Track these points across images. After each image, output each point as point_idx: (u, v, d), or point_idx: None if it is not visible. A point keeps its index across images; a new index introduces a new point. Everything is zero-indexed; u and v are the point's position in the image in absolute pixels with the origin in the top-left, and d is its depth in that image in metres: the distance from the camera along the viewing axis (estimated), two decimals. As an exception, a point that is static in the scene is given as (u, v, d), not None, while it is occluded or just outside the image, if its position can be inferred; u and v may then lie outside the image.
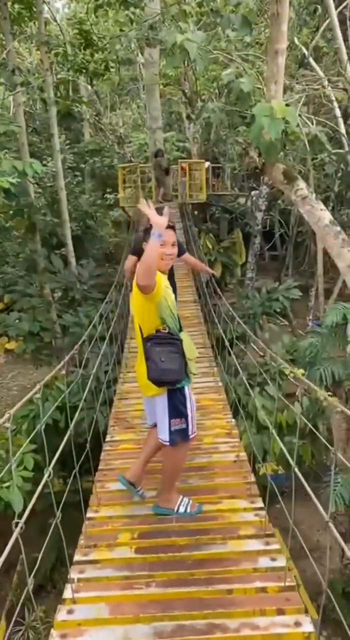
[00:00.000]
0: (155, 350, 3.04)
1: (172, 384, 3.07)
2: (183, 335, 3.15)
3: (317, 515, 2.31)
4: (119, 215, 19.63)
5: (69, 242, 10.34)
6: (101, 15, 9.06)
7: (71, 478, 3.14)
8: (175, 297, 3.35)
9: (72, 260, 10.41)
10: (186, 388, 3.16)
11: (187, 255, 5.48)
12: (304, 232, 20.48)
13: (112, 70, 13.47)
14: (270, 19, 4.97)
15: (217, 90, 15.45)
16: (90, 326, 5.23)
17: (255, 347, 10.90)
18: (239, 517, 3.34)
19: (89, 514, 3.46)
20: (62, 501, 2.80)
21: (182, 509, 3.34)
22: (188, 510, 3.34)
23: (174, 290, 3.76)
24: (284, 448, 3.29)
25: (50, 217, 13.00)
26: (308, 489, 2.51)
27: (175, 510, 3.34)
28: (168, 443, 3.15)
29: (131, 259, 5.14)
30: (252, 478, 3.72)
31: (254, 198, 15.47)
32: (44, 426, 7.18)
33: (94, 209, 17.85)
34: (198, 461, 3.99)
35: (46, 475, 2.42)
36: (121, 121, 22.72)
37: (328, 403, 3.07)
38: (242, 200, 17.98)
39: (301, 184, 5.55)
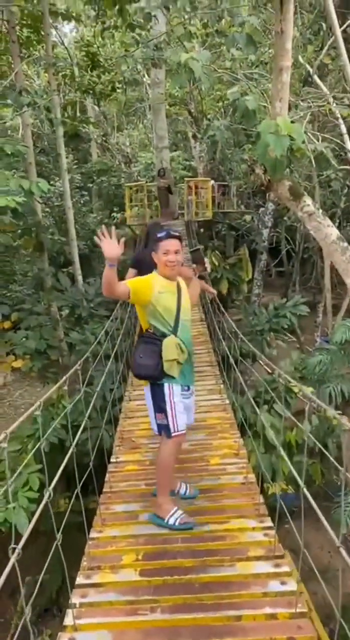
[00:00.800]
0: (139, 346, 3.40)
1: (146, 378, 3.42)
2: (168, 338, 3.31)
3: (329, 535, 2.25)
4: (125, 233, 19.75)
5: (76, 260, 10.37)
6: (108, 37, 9.20)
7: (72, 499, 3.07)
8: (180, 300, 3.45)
9: (79, 278, 10.43)
10: (166, 386, 3.33)
11: (181, 268, 5.44)
12: (310, 248, 20.47)
13: (118, 90, 13.65)
14: (274, 37, 5.00)
15: (222, 110, 15.63)
16: (94, 343, 5.18)
17: (262, 364, 10.81)
18: (248, 536, 3.25)
19: (92, 534, 3.38)
20: (64, 521, 2.73)
21: (171, 521, 3.36)
22: (177, 524, 3.35)
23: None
24: (292, 469, 3.21)
25: (58, 236, 13.08)
26: (318, 511, 2.42)
27: (166, 521, 3.38)
28: (157, 432, 3.50)
29: (131, 271, 5.38)
30: (261, 499, 3.62)
31: (260, 215, 15.49)
32: (49, 445, 7.08)
33: (102, 227, 17.93)
34: (205, 483, 3.90)
35: (46, 496, 2.35)
36: (128, 141, 22.99)
37: (338, 422, 3.00)
38: (248, 217, 18.01)
39: (308, 200, 5.53)
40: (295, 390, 8.05)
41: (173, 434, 3.33)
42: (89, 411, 3.85)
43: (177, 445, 3.44)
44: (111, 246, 3.07)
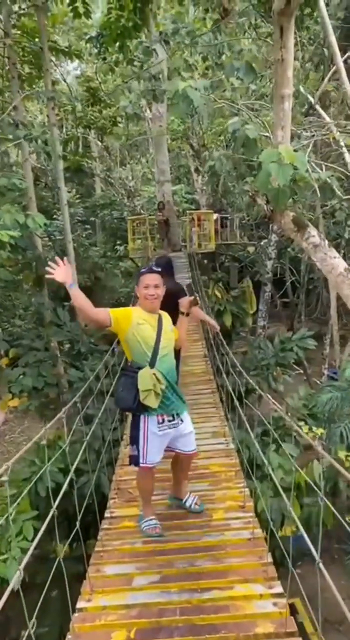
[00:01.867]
0: (121, 380, 3.57)
1: (125, 410, 3.79)
2: (143, 370, 3.41)
3: (344, 581, 1.92)
4: (128, 266, 19.64)
5: (76, 294, 10.14)
6: (109, 72, 9.19)
7: (65, 545, 2.77)
8: (160, 331, 3.53)
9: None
10: (141, 418, 3.47)
11: (182, 299, 5.30)
12: (315, 279, 20.27)
13: (120, 125, 13.71)
14: (275, 65, 4.85)
15: (224, 143, 15.67)
16: (89, 380, 4.87)
17: (270, 399, 10.39)
18: (255, 607, 2.87)
19: (80, 604, 3.01)
20: (52, 569, 2.41)
21: (143, 525, 3.73)
22: (143, 528, 3.71)
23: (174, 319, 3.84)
24: (294, 515, 2.89)
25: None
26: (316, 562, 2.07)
27: (142, 522, 3.77)
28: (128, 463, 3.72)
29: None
30: (269, 558, 3.24)
31: (264, 246, 15.34)
32: (46, 490, 6.67)
33: (104, 260, 17.87)
34: (207, 540, 3.53)
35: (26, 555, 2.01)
36: (131, 175, 23.16)
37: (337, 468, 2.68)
38: (251, 248, 17.90)
39: (312, 231, 5.29)
40: (295, 434, 7.67)
41: (141, 465, 3.51)
42: (78, 457, 3.55)
43: (147, 476, 3.66)
44: (61, 271, 3.36)
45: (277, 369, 8.79)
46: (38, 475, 7.14)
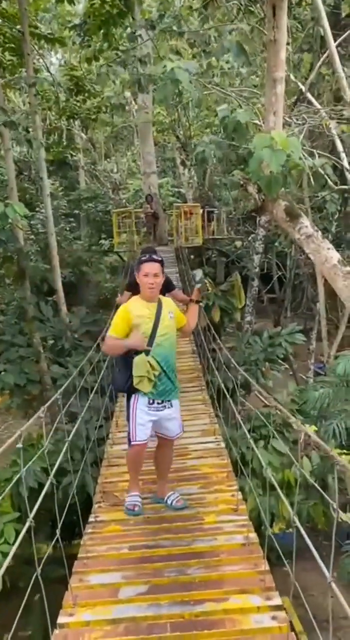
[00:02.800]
0: (119, 362, 3.78)
1: (119, 390, 4.05)
2: (138, 357, 3.55)
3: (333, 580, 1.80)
4: (114, 260, 19.32)
5: (60, 288, 9.86)
6: (91, 58, 8.88)
7: (49, 547, 2.58)
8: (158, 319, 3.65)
9: (63, 307, 9.91)
10: (132, 397, 3.66)
11: (175, 291, 5.74)
12: (301, 274, 20.19)
13: (105, 114, 13.39)
14: (267, 46, 4.63)
15: (211, 135, 15.42)
16: (72, 377, 4.64)
17: (259, 396, 10.18)
18: (253, 621, 2.66)
19: (61, 619, 2.77)
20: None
21: (127, 501, 3.85)
22: (126, 505, 3.81)
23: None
24: (290, 509, 2.73)
25: (42, 264, 12.60)
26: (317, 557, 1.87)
27: (127, 498, 3.89)
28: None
29: (126, 294, 5.45)
30: (266, 565, 3.04)
31: (251, 241, 15.17)
32: (28, 490, 6.44)
33: (89, 254, 17.53)
34: (198, 546, 3.31)
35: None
36: (116, 168, 22.80)
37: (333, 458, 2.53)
38: (238, 243, 17.70)
39: (305, 221, 5.08)
40: (294, 427, 7.51)
41: (132, 443, 3.68)
42: (60, 456, 3.33)
43: (138, 453, 3.74)
44: (139, 341, 3.56)
45: (265, 365, 8.61)
46: (18, 476, 6.87)
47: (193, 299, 3.92)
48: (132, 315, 3.58)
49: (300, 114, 5.71)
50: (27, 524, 2.50)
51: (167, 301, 3.79)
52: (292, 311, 21.54)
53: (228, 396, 4.71)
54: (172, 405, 3.71)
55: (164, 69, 4.61)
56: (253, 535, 3.35)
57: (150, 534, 3.49)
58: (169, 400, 3.68)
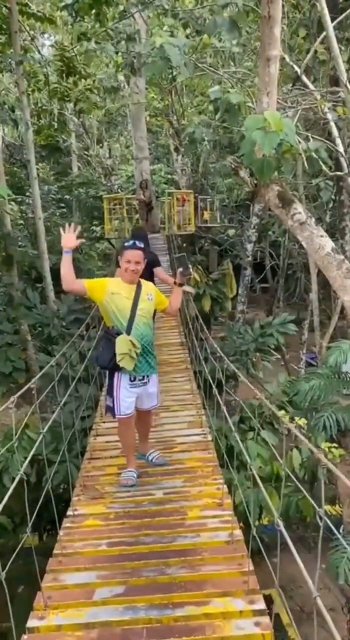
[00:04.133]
0: (102, 341, 3.99)
1: (101, 368, 4.10)
2: (120, 337, 3.76)
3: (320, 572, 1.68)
4: (105, 247, 19.06)
5: (47, 274, 9.64)
6: (81, 37, 8.58)
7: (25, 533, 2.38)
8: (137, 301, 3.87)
9: (51, 294, 9.71)
10: (115, 375, 3.86)
11: (158, 270, 6.02)
12: (294, 264, 20.06)
13: (97, 97, 13.06)
14: (261, 23, 4.42)
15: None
16: (48, 365, 4.44)
17: (249, 385, 10.05)
18: (234, 627, 2.53)
19: (31, 622, 2.62)
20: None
21: (121, 476, 4.04)
22: (121, 479, 4.01)
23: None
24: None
25: (31, 249, 12.35)
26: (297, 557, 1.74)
27: (123, 471, 4.09)
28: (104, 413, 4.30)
29: (117, 271, 5.78)
30: (250, 565, 2.91)
31: (244, 229, 14.97)
32: (11, 481, 6.29)
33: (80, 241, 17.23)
34: (180, 543, 3.17)
35: None
36: (108, 153, 22.43)
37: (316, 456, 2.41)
38: (231, 231, 17.49)
39: (298, 207, 4.90)
40: (283, 420, 7.40)
41: (117, 417, 3.92)
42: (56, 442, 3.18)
43: (126, 425, 4.00)
44: (69, 237, 3.71)
45: (256, 355, 8.47)
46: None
47: (176, 282, 4.15)
48: (108, 286, 3.83)
49: (295, 97, 5.51)
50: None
51: (147, 284, 4.02)
52: (285, 301, 21.44)
53: (214, 387, 4.58)
54: (149, 381, 3.97)
55: (153, 45, 4.39)
56: (238, 532, 3.22)
57: (131, 529, 3.35)
58: (148, 376, 3.95)
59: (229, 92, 4.82)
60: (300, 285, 23.23)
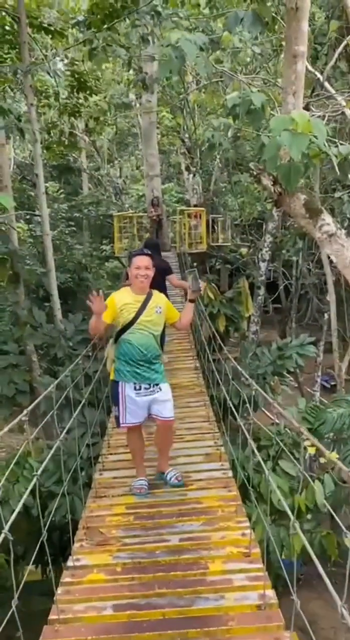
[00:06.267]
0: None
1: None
2: (111, 340, 4.00)
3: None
4: (115, 267, 18.73)
5: (55, 293, 9.25)
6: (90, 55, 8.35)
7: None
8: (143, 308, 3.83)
9: (58, 313, 9.29)
10: (119, 384, 3.85)
11: (171, 276, 6.22)
12: (306, 284, 19.60)
13: (108, 114, 12.86)
14: (287, 16, 4.05)
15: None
16: (50, 388, 4.02)
17: (267, 413, 9.45)
18: None
19: None
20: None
21: (133, 483, 3.98)
22: (133, 488, 3.95)
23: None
24: (305, 542, 2.24)
25: (38, 267, 12.00)
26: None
27: (133, 481, 4.02)
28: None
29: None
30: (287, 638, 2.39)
31: (258, 247, 14.58)
32: (11, 513, 5.76)
33: (89, 260, 16.95)
34: (201, 607, 2.64)
35: None
36: (119, 172, 22.29)
37: None
38: (244, 250, 17.11)
39: (327, 217, 4.48)
40: (310, 449, 6.87)
41: (121, 425, 3.89)
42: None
43: (135, 433, 3.99)
44: (98, 305, 3.55)
45: (274, 379, 7.95)
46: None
47: (188, 297, 4.04)
48: (116, 302, 3.76)
49: (319, 100, 5.13)
50: None
51: (158, 296, 3.93)
52: (297, 322, 20.91)
53: (235, 412, 4.13)
54: (160, 389, 3.86)
55: (169, 42, 4.03)
56: (271, 594, 2.70)
57: (142, 587, 2.84)
58: (156, 384, 3.85)
59: (251, 92, 4.42)
60: (312, 306, 22.72)
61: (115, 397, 3.88)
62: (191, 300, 4.00)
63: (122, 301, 3.76)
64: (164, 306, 3.91)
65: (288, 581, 2.46)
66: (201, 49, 4.31)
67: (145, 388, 3.81)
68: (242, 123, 4.64)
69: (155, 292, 3.93)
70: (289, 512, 2.73)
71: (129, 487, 4.01)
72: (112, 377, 3.97)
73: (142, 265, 3.75)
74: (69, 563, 3.05)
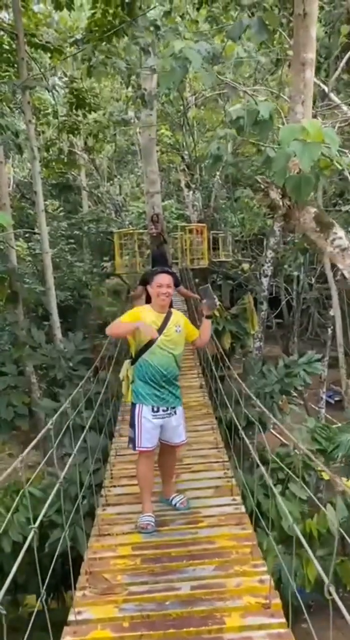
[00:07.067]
0: None
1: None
2: (126, 361, 3.91)
3: None
4: (115, 284, 18.53)
5: (54, 312, 9.01)
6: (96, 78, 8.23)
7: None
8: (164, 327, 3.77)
9: (57, 332, 9.05)
10: (137, 406, 3.75)
11: (180, 287, 6.61)
12: (307, 298, 19.39)
13: (107, 131, 12.74)
14: (295, 22, 3.87)
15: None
16: (57, 412, 3.83)
17: (276, 435, 9.12)
18: None
19: None
20: None
21: (140, 520, 3.73)
22: (139, 525, 3.71)
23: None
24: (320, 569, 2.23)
25: (37, 286, 11.81)
26: None
27: (140, 517, 3.78)
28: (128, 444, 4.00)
29: (139, 288, 6.32)
30: None
31: (260, 263, 14.41)
32: (11, 545, 5.47)
33: (90, 277, 16.76)
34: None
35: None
36: (119, 190, 22.22)
37: None
38: (246, 266, 16.92)
39: (339, 231, 4.27)
40: (324, 475, 6.57)
41: (137, 449, 3.74)
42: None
43: (148, 459, 3.80)
44: (151, 333, 3.59)
45: (282, 398, 7.67)
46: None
47: (204, 314, 3.97)
48: (142, 318, 3.67)
49: (325, 110, 4.94)
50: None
51: (177, 315, 3.89)
52: (298, 337, 20.66)
53: (243, 435, 3.89)
54: (176, 413, 3.82)
55: (171, 52, 3.84)
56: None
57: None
58: (173, 408, 3.79)
59: (258, 102, 4.22)
60: (313, 321, 22.50)
61: (131, 418, 3.78)
62: (208, 317, 3.94)
63: (146, 319, 3.68)
64: (183, 324, 3.86)
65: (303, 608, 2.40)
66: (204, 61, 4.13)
67: (163, 410, 3.74)
68: (248, 135, 4.42)
69: (174, 311, 3.90)
70: (302, 539, 2.56)
71: (135, 524, 3.75)
72: (128, 399, 3.87)
73: (164, 284, 3.71)
74: (71, 617, 2.74)
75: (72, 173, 18.94)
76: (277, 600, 2.76)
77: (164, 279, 3.73)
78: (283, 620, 2.61)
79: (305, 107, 4.10)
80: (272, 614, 2.67)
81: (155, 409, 3.70)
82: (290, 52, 5.20)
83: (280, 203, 4.41)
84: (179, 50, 3.80)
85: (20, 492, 5.25)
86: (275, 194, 4.47)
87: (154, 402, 3.69)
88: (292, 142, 3.53)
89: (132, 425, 3.75)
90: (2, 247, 9.32)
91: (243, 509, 3.78)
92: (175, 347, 3.76)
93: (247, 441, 3.87)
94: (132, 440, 3.76)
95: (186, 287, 11.29)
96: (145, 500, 3.82)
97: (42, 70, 12.72)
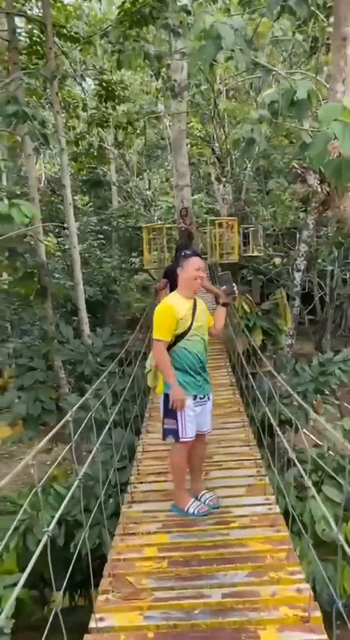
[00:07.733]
0: None
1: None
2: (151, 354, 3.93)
3: None
4: (144, 279, 18.44)
5: (82, 307, 8.91)
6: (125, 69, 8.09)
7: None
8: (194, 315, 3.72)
9: (86, 327, 8.95)
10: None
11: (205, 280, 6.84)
12: (341, 294, 18.85)
13: (137, 124, 12.61)
14: (335, -7, 3.61)
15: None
16: (76, 407, 3.67)
17: (309, 435, 8.82)
18: None
19: None
20: None
21: (191, 510, 3.70)
22: (196, 512, 3.68)
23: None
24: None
25: (67, 281, 11.78)
26: None
27: (186, 510, 3.72)
28: (162, 438, 3.80)
29: (163, 281, 6.37)
30: None
31: (292, 257, 14.05)
32: (36, 544, 5.38)
33: (118, 272, 16.71)
34: None
35: None
36: (148, 185, 22.12)
37: None
38: (277, 260, 16.54)
39: (382, 218, 3.99)
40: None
41: (181, 439, 3.63)
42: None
43: (186, 449, 3.71)
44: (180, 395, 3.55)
45: (316, 397, 7.37)
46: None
47: (221, 301, 3.90)
48: (177, 314, 3.58)
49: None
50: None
51: (200, 302, 3.82)
52: (332, 334, 20.13)
53: (278, 432, 3.67)
54: (209, 399, 3.82)
55: (203, 26, 3.63)
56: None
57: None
58: (207, 394, 3.79)
59: (295, 82, 3.97)
60: (347, 317, 21.90)
61: (167, 410, 3.66)
62: (224, 304, 3.87)
63: (181, 311, 3.60)
64: (205, 311, 3.83)
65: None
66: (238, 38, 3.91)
67: (201, 398, 3.72)
68: (283, 118, 4.18)
69: (198, 299, 3.82)
70: (346, 547, 2.32)
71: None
72: (160, 390, 3.81)
73: (201, 267, 3.66)
74: (92, 624, 2.59)
75: (102, 169, 18.93)
76: (318, 614, 2.54)
77: (200, 261, 3.67)
78: (324, 636, 2.39)
79: (347, 85, 3.84)
80: (311, 629, 2.46)
81: (195, 397, 3.66)
82: (329, 29, 4.93)
83: (319, 189, 4.17)
84: (210, 26, 3.58)
85: (33, 491, 5.17)
86: (313, 180, 4.23)
87: (194, 390, 3.65)
88: (332, 123, 3.29)
89: (171, 416, 3.63)
90: (31, 242, 9.27)
91: (277, 509, 3.57)
92: (205, 332, 3.74)
93: (284, 439, 3.66)
94: (173, 432, 3.64)
95: (213, 283, 11.11)
96: (184, 490, 3.78)
97: (72, 65, 12.72)
